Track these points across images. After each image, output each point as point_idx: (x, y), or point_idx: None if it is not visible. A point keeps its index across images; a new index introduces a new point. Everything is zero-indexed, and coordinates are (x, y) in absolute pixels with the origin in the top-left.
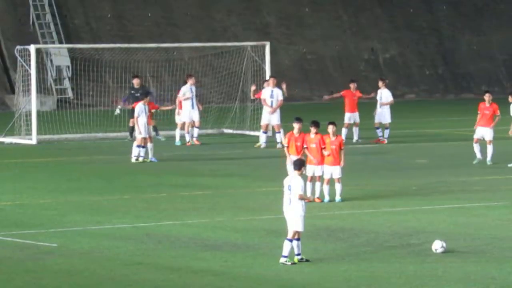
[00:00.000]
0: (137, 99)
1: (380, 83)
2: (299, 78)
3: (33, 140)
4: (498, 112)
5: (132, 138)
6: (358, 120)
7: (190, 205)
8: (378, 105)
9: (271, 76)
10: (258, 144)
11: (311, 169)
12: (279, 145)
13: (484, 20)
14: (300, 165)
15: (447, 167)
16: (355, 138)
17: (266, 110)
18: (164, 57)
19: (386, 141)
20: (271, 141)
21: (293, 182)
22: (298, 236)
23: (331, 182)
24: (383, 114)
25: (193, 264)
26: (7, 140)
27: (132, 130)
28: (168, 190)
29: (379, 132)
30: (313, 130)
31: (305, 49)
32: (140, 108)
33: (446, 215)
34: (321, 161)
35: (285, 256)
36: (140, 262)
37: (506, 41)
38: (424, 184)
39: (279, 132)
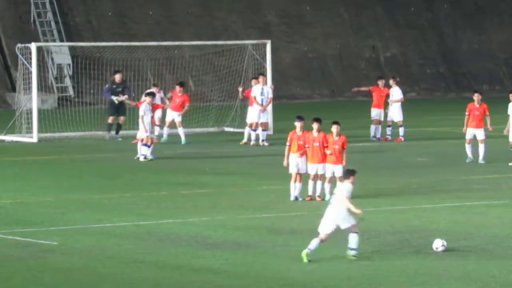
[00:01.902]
0: (117, 94)
1: (391, 81)
2: (300, 77)
3: (34, 138)
4: (488, 112)
5: (111, 135)
6: (382, 118)
7: (191, 203)
8: (390, 103)
9: (260, 74)
10: (253, 142)
11: (313, 168)
12: (264, 143)
13: (485, 19)
14: (349, 174)
15: (448, 165)
16: (377, 135)
17: (255, 108)
18: (165, 55)
19: (389, 138)
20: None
21: (339, 189)
22: (355, 230)
23: (333, 180)
24: (393, 112)
25: (194, 262)
26: (8, 138)
27: (110, 127)
28: (168, 188)
29: (388, 130)
30: (315, 127)
31: (306, 47)
32: (145, 107)
33: (447, 214)
34: (323, 160)
35: (309, 250)
36: (141, 260)
37: (508, 40)
38: (425, 183)
39: (266, 130)
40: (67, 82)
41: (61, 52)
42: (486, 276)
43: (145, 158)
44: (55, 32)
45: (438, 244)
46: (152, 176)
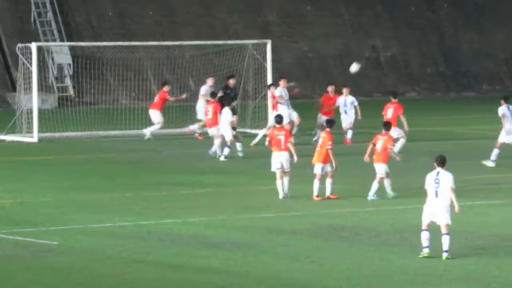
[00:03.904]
0: (232, 99)
1: (345, 90)
2: (300, 76)
3: (34, 138)
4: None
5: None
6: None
7: (191, 203)
8: (343, 111)
9: (281, 77)
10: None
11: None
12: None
13: (486, 19)
14: (444, 160)
15: (448, 165)
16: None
17: (283, 110)
18: (165, 55)
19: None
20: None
21: (442, 176)
22: (447, 231)
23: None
24: (348, 118)
25: (194, 262)
26: (9, 138)
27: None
28: (169, 188)
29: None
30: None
31: (306, 47)
32: (227, 111)
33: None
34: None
35: (427, 247)
36: (141, 260)
37: (508, 40)
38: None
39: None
40: (68, 82)
41: (61, 52)
42: (487, 276)
43: (226, 157)
44: (55, 32)
45: (354, 68)
46: (152, 176)
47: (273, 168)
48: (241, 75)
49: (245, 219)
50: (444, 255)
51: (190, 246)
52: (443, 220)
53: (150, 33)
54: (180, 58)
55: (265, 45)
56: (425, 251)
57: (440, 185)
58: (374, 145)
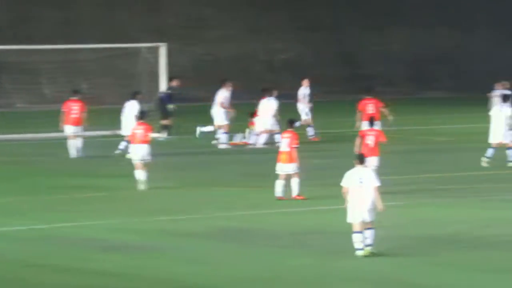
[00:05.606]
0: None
1: (304, 82)
2: (196, 80)
3: None
4: None
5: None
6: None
7: (88, 207)
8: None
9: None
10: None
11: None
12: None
13: (388, 22)
14: (363, 159)
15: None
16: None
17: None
18: (61, 58)
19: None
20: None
21: (366, 175)
22: (372, 226)
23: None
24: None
25: (90, 266)
26: None
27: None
28: (64, 191)
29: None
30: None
31: (203, 50)
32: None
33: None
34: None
35: (361, 249)
36: (39, 264)
37: (409, 41)
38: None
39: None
40: None
41: None
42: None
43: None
44: None
45: None
46: (49, 180)
47: (133, 160)
48: (137, 78)
49: (141, 222)
50: (367, 249)
51: (87, 250)
52: (368, 216)
53: (48, 37)
54: (76, 62)
55: (158, 48)
56: (362, 251)
57: (364, 184)
58: (363, 137)
